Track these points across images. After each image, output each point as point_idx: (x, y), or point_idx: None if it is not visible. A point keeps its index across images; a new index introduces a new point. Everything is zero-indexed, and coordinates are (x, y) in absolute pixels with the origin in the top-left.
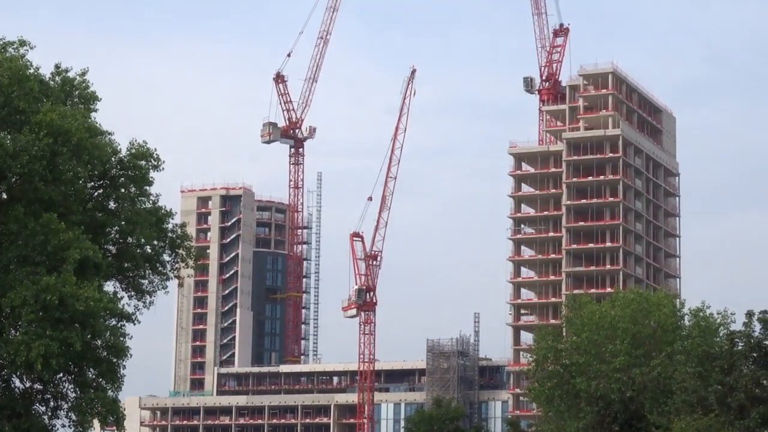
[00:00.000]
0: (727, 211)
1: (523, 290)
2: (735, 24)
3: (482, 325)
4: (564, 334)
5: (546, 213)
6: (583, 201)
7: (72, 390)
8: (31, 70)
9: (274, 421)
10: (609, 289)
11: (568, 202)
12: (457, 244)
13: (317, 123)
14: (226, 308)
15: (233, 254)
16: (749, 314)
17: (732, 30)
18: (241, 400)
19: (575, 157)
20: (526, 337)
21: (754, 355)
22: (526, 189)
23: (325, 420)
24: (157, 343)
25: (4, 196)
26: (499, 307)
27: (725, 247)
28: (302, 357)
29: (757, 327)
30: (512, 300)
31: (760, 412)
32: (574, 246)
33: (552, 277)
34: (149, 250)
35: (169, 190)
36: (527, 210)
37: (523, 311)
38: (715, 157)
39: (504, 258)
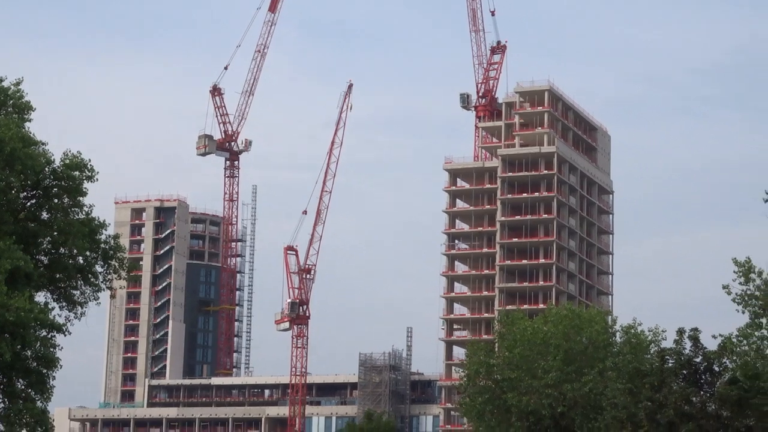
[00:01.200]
0: (660, 229)
1: (456, 305)
2: (672, 44)
3: (415, 340)
4: (496, 349)
5: (480, 229)
6: (518, 217)
7: (0, 400)
8: None
9: None
10: (542, 305)
11: (503, 218)
12: (392, 258)
13: (253, 136)
14: (159, 320)
15: (166, 266)
16: (680, 331)
17: (669, 50)
18: (171, 412)
19: (510, 174)
20: (459, 352)
21: (684, 372)
22: (460, 205)
23: None
24: (88, 354)
25: None
26: (432, 322)
27: (657, 265)
28: (234, 370)
29: (688, 344)
30: (445, 315)
31: (690, 428)
32: (508, 262)
33: (485, 293)
34: (82, 261)
35: (103, 201)
36: (461, 226)
37: (455, 326)
38: (650, 175)
39: (438, 273)
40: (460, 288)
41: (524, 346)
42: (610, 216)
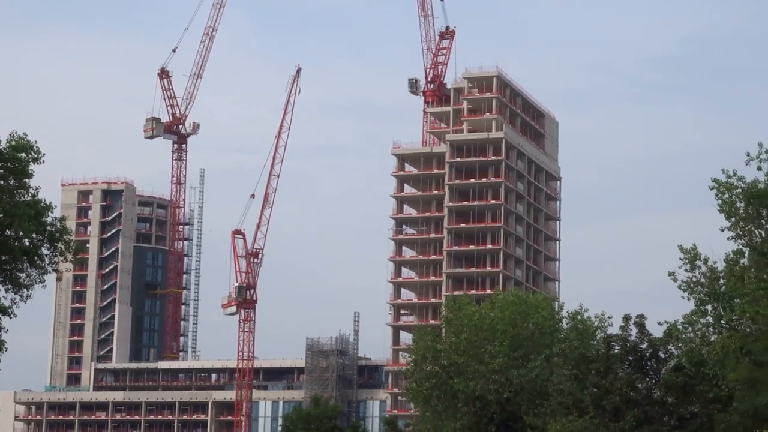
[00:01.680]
0: (608, 216)
1: (403, 290)
2: (624, 33)
3: (362, 325)
4: (443, 334)
5: (428, 214)
6: (465, 203)
7: None
8: None
9: (152, 417)
10: (489, 291)
11: (450, 204)
12: (339, 243)
13: (201, 119)
14: (105, 303)
15: (113, 249)
16: (626, 318)
17: (621, 39)
18: (118, 396)
19: (458, 159)
20: (406, 337)
21: (630, 358)
22: (408, 190)
23: (202, 417)
24: (33, 337)
25: None
26: (379, 307)
27: (604, 252)
28: (181, 353)
29: (633, 331)
30: (392, 300)
31: (635, 414)
32: (455, 247)
33: (432, 278)
34: (27, 243)
35: (50, 184)
36: (409, 210)
37: (402, 311)
38: (598, 163)
39: (385, 258)
40: (407, 273)
41: (471, 332)
42: (557, 202)
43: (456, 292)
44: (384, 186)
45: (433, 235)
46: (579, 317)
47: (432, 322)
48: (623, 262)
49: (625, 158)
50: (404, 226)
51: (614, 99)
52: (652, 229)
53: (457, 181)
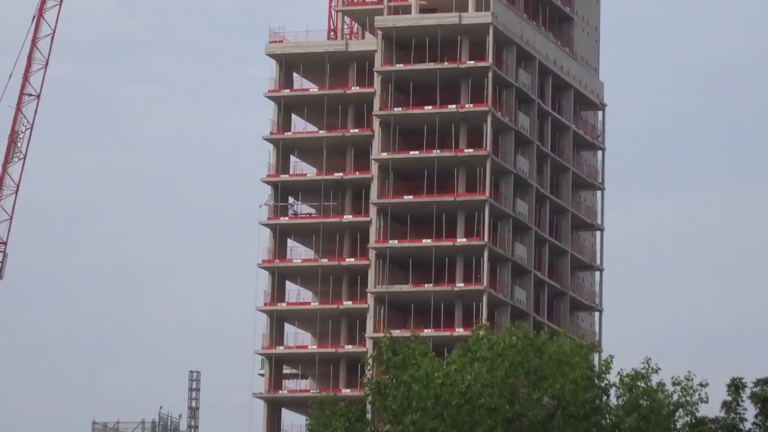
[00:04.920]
0: (692, 180)
1: (288, 327)
2: None
3: (207, 394)
4: (368, 413)
5: (337, 176)
6: (414, 154)
7: None
8: None
9: None
10: (461, 330)
11: (383, 156)
12: (163, 236)
13: None
14: None
15: None
16: (735, 386)
17: None
18: None
19: (399, 67)
20: (293, 420)
21: None
22: (299, 126)
23: None
24: None
25: None
26: (242, 359)
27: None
28: None
29: (751, 410)
30: (267, 347)
31: None
32: (393, 242)
33: (348, 304)
34: None
35: None
36: (301, 169)
37: (286, 369)
38: (671, 79)
39: (252, 263)
40: (294, 293)
41: (427, 411)
42: (598, 155)
43: (396, 331)
44: (252, 119)
45: (348, 218)
46: (643, 386)
47: (347, 391)
48: (718, 267)
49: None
50: (292, 201)
51: None
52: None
53: (398, 111)
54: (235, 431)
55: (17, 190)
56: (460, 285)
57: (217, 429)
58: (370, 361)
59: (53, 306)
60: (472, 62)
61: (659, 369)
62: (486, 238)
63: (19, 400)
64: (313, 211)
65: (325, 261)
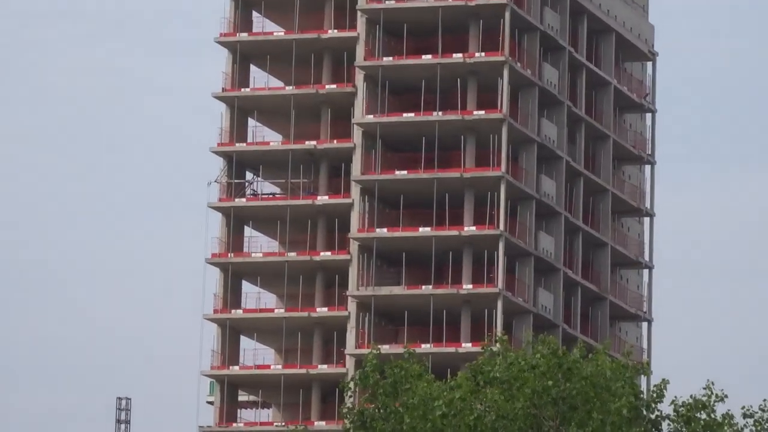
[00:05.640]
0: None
1: (244, 341)
2: None
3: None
4: None
5: (309, 144)
6: (407, 115)
7: None
8: None
9: None
10: (468, 345)
11: (369, 120)
12: (78, 225)
13: None
14: None
15: None
16: None
17: None
18: None
19: (390, 4)
20: None
21: None
22: (260, 81)
23: None
24: None
25: None
26: (186, 383)
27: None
28: None
29: None
30: (217, 366)
31: None
32: (379, 231)
33: (320, 312)
34: None
35: None
36: (264, 135)
37: (242, 393)
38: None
39: (200, 255)
40: (251, 291)
41: None
42: (648, 119)
43: (386, 347)
44: (199, 71)
45: (323, 200)
46: (705, 418)
47: (321, 424)
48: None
49: None
50: (250, 177)
51: None
52: None
53: (388, 62)
54: None
55: None
56: (467, 287)
57: None
58: (351, 385)
59: None
60: None
61: (726, 396)
62: (501, 227)
63: None
64: (278, 190)
65: (293, 255)
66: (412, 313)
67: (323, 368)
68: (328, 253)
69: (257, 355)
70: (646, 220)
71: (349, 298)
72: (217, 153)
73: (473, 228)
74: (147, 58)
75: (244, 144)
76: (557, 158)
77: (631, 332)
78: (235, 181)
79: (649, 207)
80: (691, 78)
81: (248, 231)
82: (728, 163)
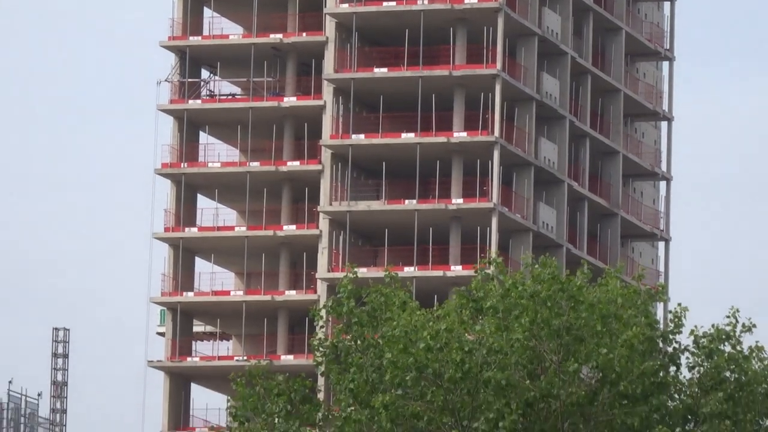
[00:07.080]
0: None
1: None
2: None
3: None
4: (319, 386)
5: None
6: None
7: None
8: None
9: None
10: (458, 268)
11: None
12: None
13: None
14: None
15: None
16: None
17: None
18: None
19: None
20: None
21: None
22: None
23: None
24: None
25: None
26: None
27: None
28: None
29: None
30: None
31: None
32: (359, 139)
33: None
34: None
35: None
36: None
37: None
38: None
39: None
40: (207, 207)
41: (410, 388)
42: (665, 6)
43: (363, 270)
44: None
45: (291, 101)
46: (729, 350)
47: (288, 358)
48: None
49: None
50: (206, 75)
51: None
52: None
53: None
54: (122, 417)
55: None
56: (457, 201)
57: (95, 415)
58: (322, 313)
59: None
60: None
61: (753, 326)
62: (496, 132)
63: None
64: (238, 90)
65: (255, 165)
66: (393, 232)
67: (291, 294)
68: (296, 163)
69: (215, 280)
70: (663, 124)
71: (321, 214)
72: (167, 48)
73: (464, 133)
74: None
75: (199, 37)
76: (561, 53)
77: (646, 253)
78: (189, 80)
79: (666, 110)
80: None
81: (204, 137)
82: (760, 59)
